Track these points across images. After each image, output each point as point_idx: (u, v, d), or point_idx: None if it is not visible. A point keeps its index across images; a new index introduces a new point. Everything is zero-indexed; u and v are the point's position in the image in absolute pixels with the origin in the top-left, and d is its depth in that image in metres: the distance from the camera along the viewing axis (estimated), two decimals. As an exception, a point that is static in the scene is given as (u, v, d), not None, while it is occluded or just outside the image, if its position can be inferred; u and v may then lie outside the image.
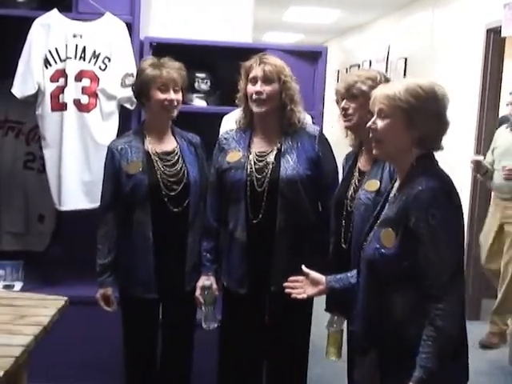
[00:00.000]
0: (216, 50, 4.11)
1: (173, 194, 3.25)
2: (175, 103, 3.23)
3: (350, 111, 2.91)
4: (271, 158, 3.20)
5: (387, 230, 2.28)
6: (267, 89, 3.14)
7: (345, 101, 2.92)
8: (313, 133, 3.26)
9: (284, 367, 3.38)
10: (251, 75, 3.19)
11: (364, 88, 2.86)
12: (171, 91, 3.21)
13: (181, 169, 3.29)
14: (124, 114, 3.93)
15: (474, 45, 6.08)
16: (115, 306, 3.36)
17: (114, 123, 3.90)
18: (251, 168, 3.19)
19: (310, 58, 3.95)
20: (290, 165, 3.17)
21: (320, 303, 3.05)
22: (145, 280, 3.28)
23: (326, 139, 3.31)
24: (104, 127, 3.88)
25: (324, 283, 2.69)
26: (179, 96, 3.26)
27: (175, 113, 3.27)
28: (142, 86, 3.26)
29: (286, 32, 11.82)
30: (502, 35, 5.51)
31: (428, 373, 2.19)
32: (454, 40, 6.64)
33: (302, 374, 3.42)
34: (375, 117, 2.35)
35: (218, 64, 4.17)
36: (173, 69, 3.23)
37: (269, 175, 3.17)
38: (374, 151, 2.40)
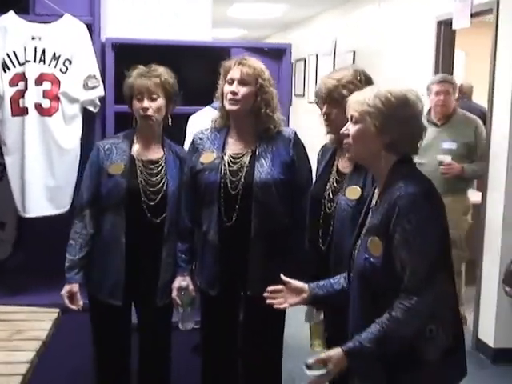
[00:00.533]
0: (179, 49, 4.05)
1: (152, 203, 3.22)
2: (150, 112, 3.21)
3: (333, 116, 2.89)
4: (245, 160, 3.18)
5: (373, 238, 2.30)
6: (242, 90, 3.13)
7: (326, 106, 2.90)
8: (288, 136, 3.25)
9: (259, 366, 3.37)
10: (229, 76, 3.18)
11: (345, 93, 2.82)
12: (145, 99, 3.20)
13: (161, 179, 3.26)
14: (87, 117, 3.85)
15: (425, 37, 6.16)
16: (81, 304, 3.29)
17: (77, 127, 3.82)
18: (225, 170, 3.17)
19: (274, 55, 3.93)
20: (265, 168, 3.15)
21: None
22: (113, 285, 3.24)
23: (301, 142, 3.30)
24: (67, 131, 3.79)
25: (307, 291, 2.66)
26: (156, 103, 3.23)
27: (153, 120, 3.25)
28: (126, 94, 3.28)
29: (229, 28, 11.79)
30: (454, 28, 5.59)
31: (360, 350, 2.23)
32: (404, 32, 6.73)
33: (277, 372, 3.42)
34: (348, 123, 2.38)
35: (182, 63, 4.10)
36: (149, 77, 3.22)
37: (243, 178, 3.15)
38: (347, 154, 2.47)
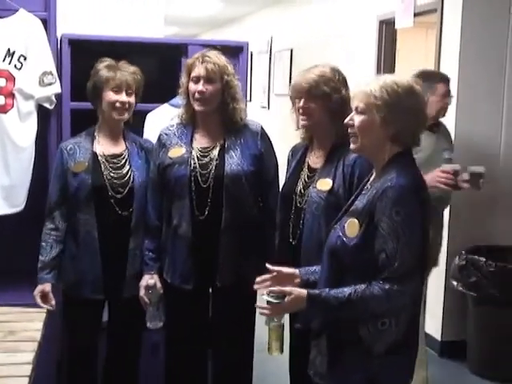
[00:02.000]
0: (135, 45, 4.01)
1: (119, 196, 3.24)
2: (127, 106, 3.24)
3: (309, 111, 2.92)
4: (215, 153, 3.20)
5: (352, 220, 2.33)
6: (209, 88, 3.14)
7: (304, 100, 2.92)
8: (255, 129, 3.29)
9: (230, 361, 3.37)
10: (193, 74, 3.17)
11: (326, 89, 2.88)
12: (123, 93, 3.22)
13: (127, 172, 3.28)
14: (43, 115, 3.77)
15: (367, 36, 6.24)
16: (53, 304, 3.27)
17: (32, 124, 3.73)
18: (195, 163, 3.18)
19: (231, 53, 3.92)
20: (235, 160, 3.17)
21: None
22: (92, 280, 3.25)
23: (268, 136, 3.33)
24: (22, 128, 3.70)
25: (298, 276, 2.66)
26: (132, 99, 3.27)
27: (126, 115, 3.28)
28: (95, 87, 3.26)
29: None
30: (396, 27, 5.69)
31: (322, 301, 2.30)
32: (345, 31, 6.79)
33: (248, 369, 3.44)
34: (353, 113, 2.39)
35: (138, 60, 4.06)
36: (127, 72, 3.26)
37: (213, 171, 3.16)
38: (351, 146, 2.44)
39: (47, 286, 3.26)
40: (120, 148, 3.34)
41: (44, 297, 3.25)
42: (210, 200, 3.15)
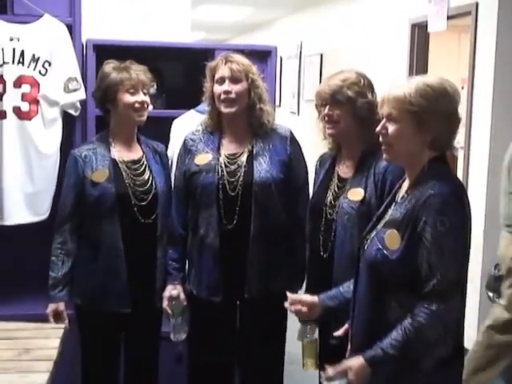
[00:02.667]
0: (161, 51, 3.94)
1: (143, 203, 3.11)
2: (146, 105, 3.11)
3: (335, 118, 2.81)
4: (243, 160, 3.08)
5: (392, 231, 2.21)
6: (236, 88, 3.03)
7: (328, 107, 2.81)
8: (284, 134, 3.16)
9: (257, 376, 3.26)
10: (217, 75, 3.06)
11: (350, 94, 2.77)
12: (140, 93, 3.10)
13: (148, 178, 3.15)
14: (68, 121, 3.71)
15: (398, 40, 6.12)
16: (67, 323, 3.12)
17: (57, 131, 3.67)
18: (222, 171, 3.06)
19: (259, 58, 3.84)
20: (264, 167, 3.06)
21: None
22: (119, 293, 3.10)
23: (297, 141, 3.22)
24: (47, 135, 3.65)
25: (317, 305, 2.58)
26: (148, 99, 3.14)
27: (145, 116, 3.14)
28: (107, 91, 3.10)
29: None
30: (429, 30, 5.57)
31: (383, 358, 2.15)
32: (376, 35, 6.68)
33: (278, 382, 3.32)
34: (384, 121, 2.26)
35: (164, 66, 4.01)
36: (140, 71, 3.11)
37: (241, 178, 3.05)
38: (384, 156, 2.33)
39: (61, 305, 3.11)
40: (137, 153, 3.20)
41: (57, 315, 3.11)
42: (238, 208, 3.03)
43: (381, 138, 2.29)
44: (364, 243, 2.36)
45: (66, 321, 3.13)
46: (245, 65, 3.06)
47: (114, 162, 3.12)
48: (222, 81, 3.04)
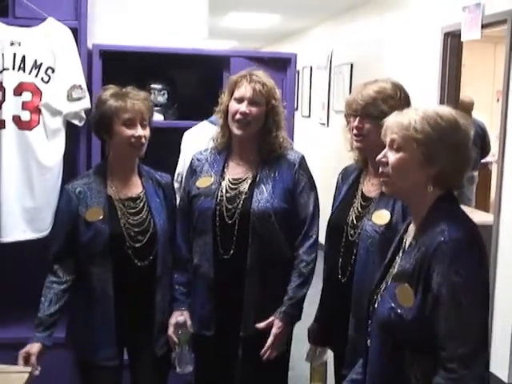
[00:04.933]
0: (172, 58, 3.74)
1: (138, 245, 2.83)
2: (143, 140, 2.80)
3: (364, 132, 2.58)
4: (245, 186, 2.87)
5: (404, 286, 1.96)
6: (254, 110, 2.81)
7: (358, 119, 2.58)
8: (293, 160, 2.92)
9: None
10: (238, 93, 2.83)
11: (384, 108, 2.51)
12: (138, 126, 2.79)
13: (146, 217, 2.87)
14: (71, 132, 3.52)
15: (430, 49, 5.86)
16: (36, 370, 2.74)
17: (60, 142, 3.49)
18: (222, 196, 2.85)
19: (278, 65, 3.62)
20: (264, 196, 2.83)
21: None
22: (105, 344, 2.84)
23: (307, 168, 2.96)
24: (49, 147, 3.46)
25: None
26: (147, 132, 2.83)
27: (143, 150, 2.85)
28: (102, 120, 2.81)
29: (218, 39, 11.49)
30: (463, 39, 5.29)
31: None
32: (408, 44, 6.44)
33: None
34: (386, 149, 2.04)
35: (176, 74, 3.79)
36: (139, 99, 2.80)
37: (240, 206, 2.83)
38: (383, 188, 2.11)
39: (34, 347, 2.77)
40: (136, 189, 2.92)
41: (27, 358, 2.77)
42: (235, 238, 2.81)
43: (380, 169, 2.07)
44: (375, 298, 2.11)
45: (34, 367, 2.75)
46: (268, 87, 2.84)
47: (109, 199, 2.86)
48: (241, 100, 2.82)
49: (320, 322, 2.90)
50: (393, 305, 1.96)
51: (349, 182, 2.78)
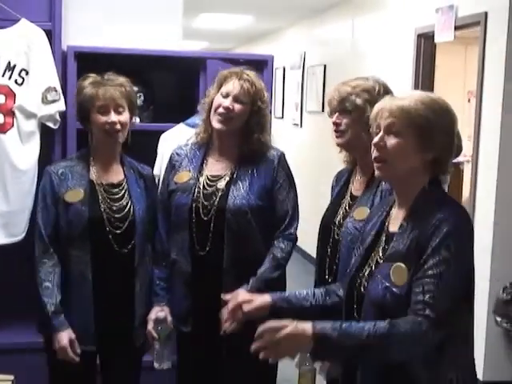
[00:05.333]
0: (148, 59, 3.70)
1: (118, 232, 2.83)
2: (118, 126, 2.79)
3: (342, 127, 2.57)
4: (222, 184, 2.86)
5: (398, 265, 1.96)
6: (237, 107, 2.79)
7: (336, 115, 2.58)
8: (272, 157, 2.91)
9: None
10: (225, 89, 2.82)
11: (359, 102, 2.52)
12: (112, 112, 2.78)
13: (126, 204, 2.87)
14: (46, 135, 3.48)
15: (404, 51, 5.89)
16: (79, 353, 2.79)
17: (34, 145, 3.45)
18: (199, 193, 2.84)
19: (254, 67, 3.58)
20: (241, 193, 2.82)
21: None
22: (82, 328, 2.81)
23: (287, 165, 2.96)
24: (23, 150, 3.43)
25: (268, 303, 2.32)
26: (123, 117, 2.82)
27: (120, 137, 2.84)
28: (81, 109, 2.85)
29: (189, 40, 11.43)
30: (436, 41, 5.32)
31: (333, 343, 1.87)
32: (381, 46, 6.46)
33: None
34: (382, 133, 2.01)
35: (151, 76, 3.76)
36: (113, 86, 2.81)
37: (216, 203, 2.82)
38: (376, 172, 2.08)
39: (72, 333, 2.77)
40: (118, 176, 2.92)
41: (72, 345, 2.76)
42: (211, 235, 2.81)
43: (375, 153, 2.04)
44: (359, 280, 2.11)
45: (79, 350, 2.79)
46: (257, 88, 2.84)
47: (91, 183, 2.86)
48: (226, 95, 2.81)
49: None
50: (387, 284, 1.96)
51: (340, 184, 2.78)
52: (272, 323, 1.94)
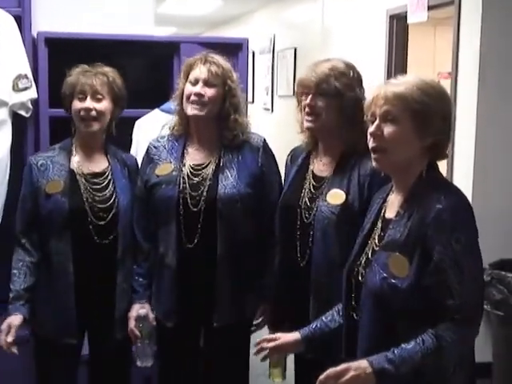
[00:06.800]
0: (120, 45, 3.64)
1: (101, 223, 2.79)
2: (93, 113, 2.77)
3: (317, 110, 2.52)
4: (208, 172, 2.80)
5: (396, 255, 1.94)
6: (209, 92, 2.74)
7: (311, 96, 2.53)
8: (256, 144, 2.87)
9: None
10: (192, 75, 2.77)
11: (338, 85, 2.48)
12: (88, 99, 2.76)
13: (111, 195, 2.83)
14: (18, 123, 3.40)
15: (376, 32, 5.87)
16: (10, 341, 2.71)
17: (6, 134, 3.35)
18: (184, 183, 2.78)
19: (229, 51, 3.53)
20: (230, 182, 2.77)
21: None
22: (64, 321, 2.78)
23: (271, 151, 2.93)
24: (-5, 139, 3.34)
25: (300, 342, 2.29)
26: (101, 105, 2.79)
27: (96, 125, 2.80)
28: (64, 98, 2.84)
29: (157, 26, 11.32)
30: (409, 22, 5.28)
31: (393, 374, 1.86)
32: (352, 28, 6.42)
33: None
34: (378, 121, 1.97)
35: (124, 61, 3.68)
36: (95, 74, 2.80)
37: (205, 193, 2.76)
38: (374, 163, 2.04)
39: (17, 319, 2.74)
40: (101, 165, 2.88)
41: (9, 330, 2.72)
42: (200, 226, 2.75)
43: (372, 143, 2.00)
44: (356, 269, 2.08)
45: (10, 339, 2.71)
46: (225, 69, 2.78)
47: (71, 173, 2.82)
48: (195, 82, 2.76)
49: (276, 302, 2.82)
50: (385, 275, 1.94)
51: (298, 163, 2.73)
52: (332, 369, 1.90)
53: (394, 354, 1.87)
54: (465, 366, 1.98)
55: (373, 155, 2.02)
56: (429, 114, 1.93)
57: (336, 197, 2.50)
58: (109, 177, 2.86)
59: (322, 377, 1.89)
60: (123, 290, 2.84)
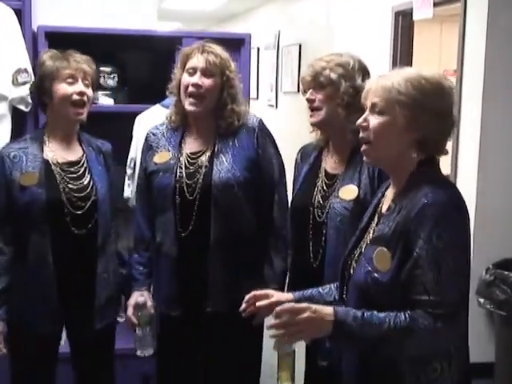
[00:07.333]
0: (122, 39, 3.64)
1: (79, 212, 2.76)
2: (85, 98, 2.75)
3: (317, 103, 2.52)
4: (203, 160, 2.79)
5: (381, 249, 1.92)
6: (207, 82, 2.72)
7: (310, 91, 2.53)
8: (251, 125, 2.85)
9: None
10: (190, 65, 2.75)
11: (333, 76, 2.48)
12: (80, 82, 2.74)
13: (88, 183, 2.80)
14: (18, 118, 3.42)
15: (381, 29, 5.83)
16: (4, 348, 2.78)
17: (5, 128, 3.39)
18: (181, 172, 2.78)
19: (232, 46, 3.51)
20: (225, 166, 2.76)
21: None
22: (46, 312, 2.77)
23: (268, 131, 2.90)
24: (-6, 133, 3.32)
25: (293, 300, 2.22)
26: (90, 92, 2.79)
27: (85, 111, 2.78)
28: (42, 81, 2.77)
29: (161, 21, 11.31)
30: (414, 19, 5.25)
31: (353, 331, 1.85)
32: (358, 24, 6.39)
33: None
34: (367, 113, 1.98)
35: (126, 56, 3.69)
36: (81, 60, 2.78)
37: (201, 181, 2.75)
38: (364, 159, 2.04)
39: (0, 325, 2.76)
40: (76, 154, 2.86)
41: None
42: (195, 214, 2.74)
43: (360, 134, 2.00)
44: (349, 262, 2.07)
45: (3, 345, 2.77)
46: (223, 58, 2.76)
47: (46, 163, 2.78)
48: (193, 72, 2.74)
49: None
50: (369, 268, 1.93)
51: (309, 162, 2.71)
52: (291, 305, 1.91)
53: (363, 314, 1.87)
54: (454, 364, 1.96)
55: (362, 149, 2.02)
56: (416, 106, 1.91)
57: (348, 192, 2.48)
58: (84, 165, 2.83)
59: (278, 308, 1.89)
60: (104, 280, 2.83)
